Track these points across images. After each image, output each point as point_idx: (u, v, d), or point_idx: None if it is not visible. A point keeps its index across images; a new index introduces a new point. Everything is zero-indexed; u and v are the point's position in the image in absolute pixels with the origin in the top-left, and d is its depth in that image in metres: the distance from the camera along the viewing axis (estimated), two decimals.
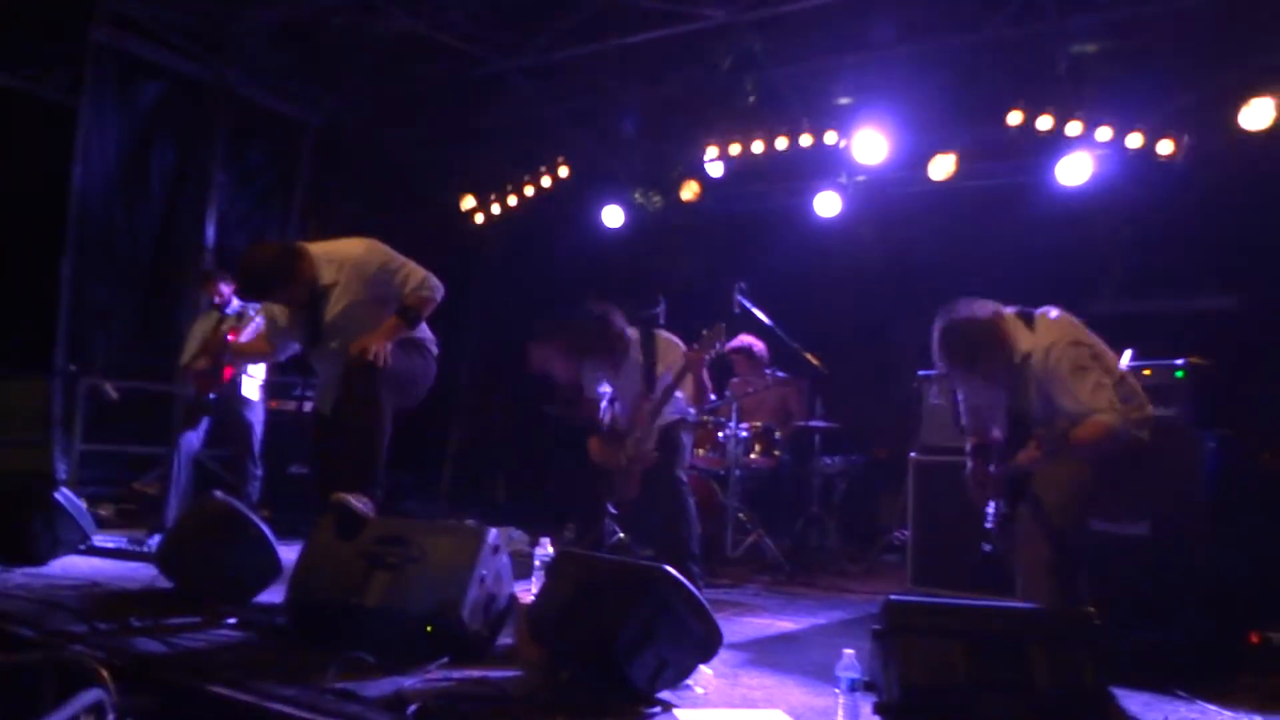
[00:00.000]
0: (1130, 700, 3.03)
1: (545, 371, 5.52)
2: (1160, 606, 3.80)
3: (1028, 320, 3.40)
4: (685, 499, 4.86)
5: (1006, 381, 3.37)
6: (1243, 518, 4.06)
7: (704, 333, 4.91)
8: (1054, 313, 3.43)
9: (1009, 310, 3.46)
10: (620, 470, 4.97)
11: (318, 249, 3.99)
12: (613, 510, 5.04)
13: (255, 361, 5.41)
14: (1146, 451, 3.30)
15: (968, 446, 3.61)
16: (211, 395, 5.65)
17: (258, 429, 5.81)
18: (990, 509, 3.46)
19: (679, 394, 4.97)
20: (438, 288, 4.00)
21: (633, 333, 5.11)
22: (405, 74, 7.80)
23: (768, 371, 6.79)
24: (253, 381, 5.80)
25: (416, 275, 3.96)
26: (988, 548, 3.40)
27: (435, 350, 4.22)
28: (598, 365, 5.07)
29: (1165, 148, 6.44)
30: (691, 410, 5.13)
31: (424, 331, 4.17)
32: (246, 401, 5.76)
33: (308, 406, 5.69)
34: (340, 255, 3.96)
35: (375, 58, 7.71)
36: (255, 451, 5.76)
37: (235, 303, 5.77)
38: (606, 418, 5.19)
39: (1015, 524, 3.37)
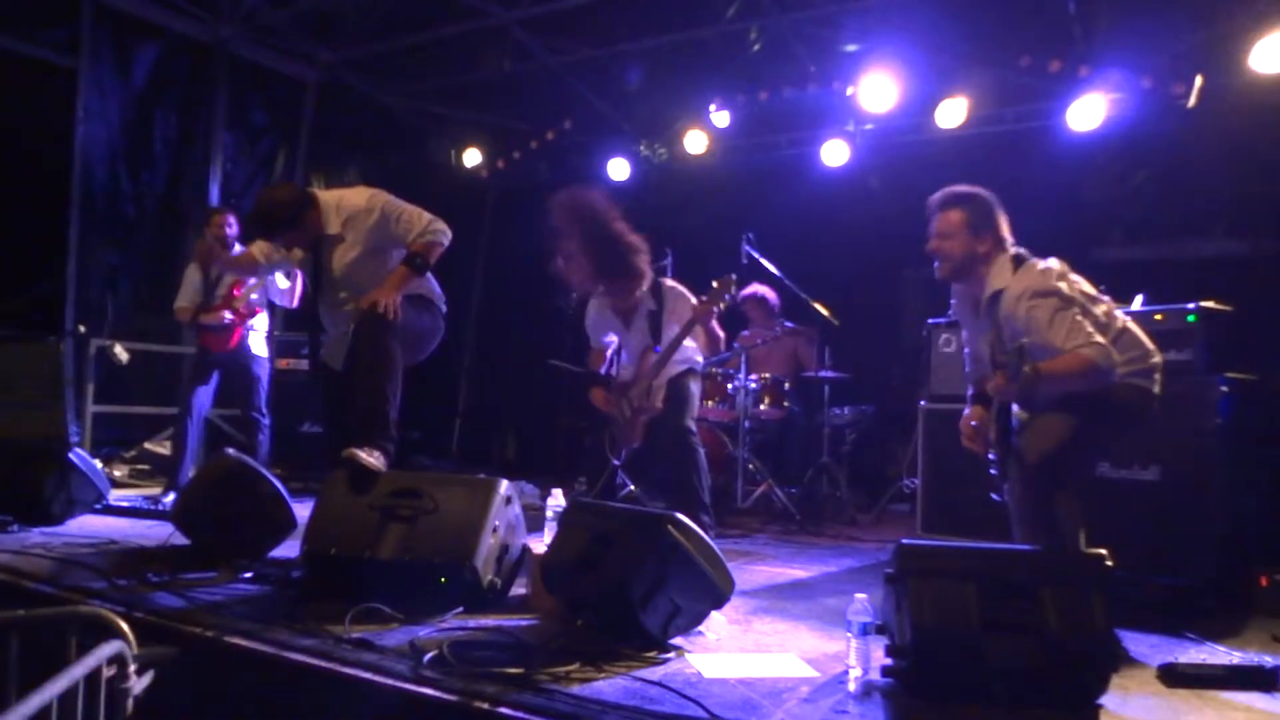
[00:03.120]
0: (1140, 642, 3.06)
1: (565, 272, 5.14)
2: (1171, 551, 3.81)
3: (1019, 263, 3.29)
4: (696, 448, 4.87)
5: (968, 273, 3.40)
6: (1253, 463, 4.06)
7: (713, 284, 4.88)
8: (1045, 263, 3.28)
9: (1014, 249, 3.36)
10: (624, 420, 4.98)
11: (326, 197, 4.03)
12: (616, 461, 5.04)
13: (242, 274, 5.47)
14: (1157, 404, 3.24)
15: (968, 394, 3.59)
16: (217, 352, 5.69)
17: (264, 381, 5.86)
18: (992, 456, 3.45)
19: (691, 344, 4.95)
20: (443, 230, 3.98)
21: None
22: (404, 28, 7.70)
23: (778, 322, 6.78)
24: (258, 336, 5.84)
25: (420, 220, 3.95)
26: (997, 498, 3.39)
27: (444, 308, 4.23)
28: (608, 293, 5.00)
29: (1177, 90, 6.33)
30: (700, 360, 5.11)
31: (432, 289, 4.17)
32: (252, 356, 5.80)
33: None
34: (344, 205, 3.98)
35: (373, 11, 7.61)
36: (261, 403, 5.81)
37: (237, 248, 5.77)
38: (612, 368, 5.19)
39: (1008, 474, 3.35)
